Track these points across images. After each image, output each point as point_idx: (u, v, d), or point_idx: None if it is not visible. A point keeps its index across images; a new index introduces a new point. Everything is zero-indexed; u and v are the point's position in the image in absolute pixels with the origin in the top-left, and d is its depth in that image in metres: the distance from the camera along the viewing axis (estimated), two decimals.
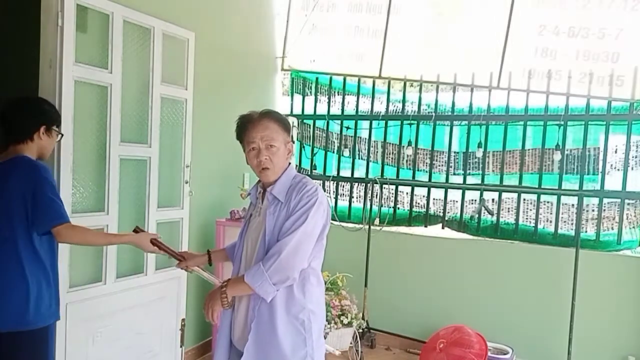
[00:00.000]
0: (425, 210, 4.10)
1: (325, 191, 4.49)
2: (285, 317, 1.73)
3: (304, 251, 1.72)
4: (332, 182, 4.46)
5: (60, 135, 2.19)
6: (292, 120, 4.28)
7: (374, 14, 4.17)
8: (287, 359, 1.72)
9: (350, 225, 4.34)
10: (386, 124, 4.23)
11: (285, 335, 1.72)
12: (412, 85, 4.34)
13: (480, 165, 3.87)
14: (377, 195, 4.23)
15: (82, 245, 2.33)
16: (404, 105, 4.17)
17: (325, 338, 3.61)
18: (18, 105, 2.06)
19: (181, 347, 3.24)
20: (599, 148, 3.53)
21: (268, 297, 1.70)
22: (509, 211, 3.81)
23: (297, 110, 4.60)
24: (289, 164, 1.90)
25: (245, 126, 1.83)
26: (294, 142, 4.22)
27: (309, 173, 4.54)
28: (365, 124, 4.33)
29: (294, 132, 4.28)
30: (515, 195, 3.77)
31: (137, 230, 2.14)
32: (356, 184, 4.37)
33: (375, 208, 4.23)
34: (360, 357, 3.70)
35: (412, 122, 4.11)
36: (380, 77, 4.17)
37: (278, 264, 1.66)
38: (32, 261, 1.95)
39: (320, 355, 1.83)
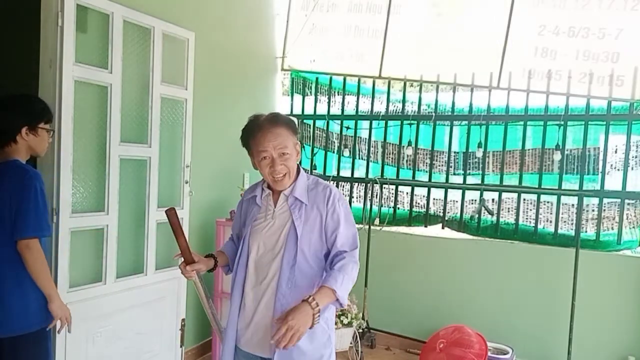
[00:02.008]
0: (425, 210, 4.10)
1: None
2: None
3: None
4: (332, 182, 4.45)
5: (51, 132, 2.13)
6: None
7: (374, 14, 4.17)
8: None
9: None
10: (386, 124, 4.23)
11: (313, 335, 1.73)
12: (412, 85, 4.34)
13: (480, 165, 3.87)
14: (377, 195, 4.23)
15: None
16: (404, 105, 4.17)
17: None
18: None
19: (181, 347, 3.24)
20: (599, 148, 3.53)
21: (345, 305, 1.72)
22: (509, 211, 3.81)
23: (297, 110, 4.60)
24: (298, 164, 1.87)
25: (254, 134, 1.77)
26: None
27: (309, 173, 4.53)
28: (365, 124, 4.33)
29: None
30: (515, 195, 3.77)
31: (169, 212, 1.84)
32: (356, 184, 4.37)
33: (375, 208, 4.23)
34: (360, 357, 3.70)
35: (412, 122, 4.11)
36: (380, 77, 4.17)
37: (354, 271, 1.71)
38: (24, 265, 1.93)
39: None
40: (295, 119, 4.28)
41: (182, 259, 1.83)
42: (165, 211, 1.83)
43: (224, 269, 1.99)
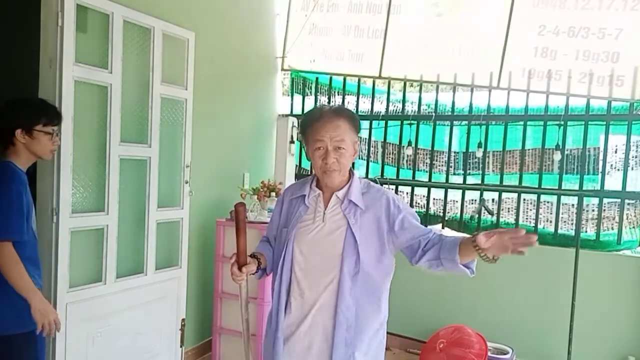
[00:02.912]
0: (425, 210, 4.09)
1: None
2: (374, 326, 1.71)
3: None
4: None
5: (51, 135, 2.05)
6: (292, 120, 4.28)
7: (374, 14, 4.17)
8: None
9: None
10: (386, 124, 4.23)
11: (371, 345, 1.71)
12: (412, 85, 4.34)
13: (480, 165, 3.87)
14: None
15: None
16: (404, 105, 4.17)
17: None
18: None
19: (181, 347, 3.24)
20: (599, 148, 3.53)
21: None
22: (509, 211, 3.81)
23: (297, 110, 4.59)
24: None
25: (313, 123, 1.69)
26: (293, 142, 4.24)
27: (309, 173, 4.54)
28: (365, 124, 4.32)
29: (294, 132, 4.27)
30: (515, 195, 3.77)
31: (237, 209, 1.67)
32: None
33: None
34: None
35: (412, 122, 4.11)
36: (380, 77, 4.17)
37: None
38: None
39: None
40: (295, 119, 4.30)
41: (234, 260, 1.68)
42: (235, 205, 1.66)
43: (256, 273, 1.79)
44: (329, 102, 4.47)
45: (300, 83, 4.61)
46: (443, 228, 4.04)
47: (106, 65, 2.64)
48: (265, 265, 1.80)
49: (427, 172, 4.09)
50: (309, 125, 1.71)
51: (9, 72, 3.51)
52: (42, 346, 2.07)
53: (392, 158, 4.25)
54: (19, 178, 1.95)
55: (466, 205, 3.94)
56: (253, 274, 1.76)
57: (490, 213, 3.81)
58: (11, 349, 1.93)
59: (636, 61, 3.32)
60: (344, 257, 1.65)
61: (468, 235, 1.59)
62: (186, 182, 3.20)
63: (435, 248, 1.66)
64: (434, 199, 4.07)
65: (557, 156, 3.58)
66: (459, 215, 3.96)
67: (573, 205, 3.59)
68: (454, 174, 4.00)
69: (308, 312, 1.69)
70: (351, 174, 1.76)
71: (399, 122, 4.17)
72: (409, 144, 4.10)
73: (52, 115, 2.08)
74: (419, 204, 4.14)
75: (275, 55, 4.48)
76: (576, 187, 3.57)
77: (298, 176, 4.52)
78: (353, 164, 2.01)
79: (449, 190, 4.00)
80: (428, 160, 4.08)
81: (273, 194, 3.58)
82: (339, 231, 1.67)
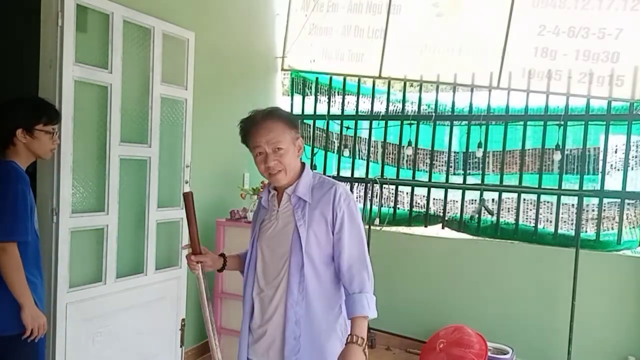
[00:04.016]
0: (425, 210, 4.09)
1: None
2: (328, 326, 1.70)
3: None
4: None
5: (52, 135, 2.06)
6: None
7: (374, 14, 4.16)
8: None
9: None
10: (386, 124, 4.23)
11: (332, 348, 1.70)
12: (412, 85, 4.34)
13: (480, 165, 3.87)
14: (377, 195, 4.22)
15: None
16: (404, 105, 4.17)
17: None
18: None
19: (181, 347, 3.24)
20: (599, 148, 3.53)
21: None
22: (509, 211, 3.81)
23: (297, 110, 4.59)
24: (304, 162, 1.81)
25: (249, 130, 1.73)
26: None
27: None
28: (365, 124, 4.33)
29: None
30: (515, 195, 3.77)
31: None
32: (356, 184, 4.37)
33: (375, 208, 4.23)
34: None
35: (412, 122, 4.11)
36: (380, 77, 4.17)
37: (370, 278, 1.67)
38: None
39: None
40: None
41: (191, 250, 1.78)
42: (184, 193, 1.78)
43: (220, 270, 1.92)
44: (329, 102, 4.47)
45: (300, 83, 4.61)
46: (443, 228, 4.04)
47: (106, 65, 2.64)
48: (239, 267, 1.91)
49: (427, 172, 4.09)
50: (246, 134, 1.74)
51: (9, 72, 3.52)
52: (42, 346, 2.07)
53: (392, 158, 4.25)
54: (23, 178, 1.95)
55: (466, 205, 3.94)
56: (219, 270, 1.88)
57: (490, 213, 3.81)
58: (12, 349, 1.93)
59: (636, 61, 3.32)
60: (290, 254, 1.68)
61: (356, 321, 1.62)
62: (186, 182, 3.20)
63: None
64: (434, 199, 4.07)
65: (557, 156, 3.58)
66: (459, 215, 3.96)
67: (573, 205, 3.59)
68: (454, 174, 4.00)
69: (267, 309, 1.73)
70: (304, 169, 1.77)
71: (399, 122, 4.17)
72: (409, 144, 4.10)
73: (53, 115, 2.09)
74: (419, 204, 4.14)
75: (275, 55, 4.48)
76: (576, 187, 3.57)
77: None
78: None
79: (449, 190, 4.00)
80: (428, 160, 4.08)
81: None
82: (287, 228, 1.71)
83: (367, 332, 1.64)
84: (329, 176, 1.95)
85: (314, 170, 2.08)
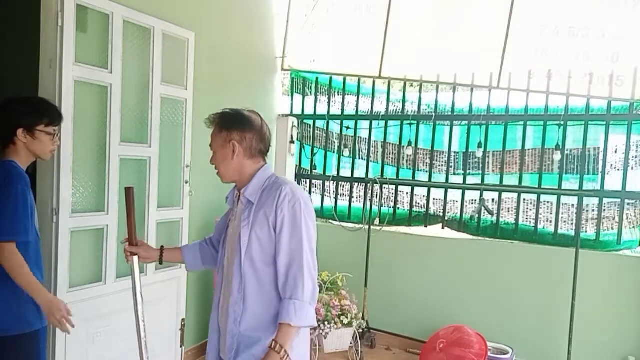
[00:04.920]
0: (425, 210, 4.10)
1: (325, 191, 4.49)
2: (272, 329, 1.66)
3: (315, 257, 1.68)
4: (332, 182, 4.46)
5: (53, 136, 2.05)
6: (292, 120, 4.28)
7: (374, 14, 4.16)
8: None
9: (350, 225, 4.34)
10: (386, 124, 4.23)
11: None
12: (412, 85, 4.34)
13: (480, 165, 3.87)
14: (377, 195, 4.22)
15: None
16: (404, 105, 4.17)
17: (325, 338, 3.62)
18: None
19: (181, 347, 3.24)
20: (599, 148, 3.53)
21: (315, 321, 1.64)
22: (509, 211, 3.81)
23: (297, 110, 4.60)
24: (263, 164, 1.79)
25: None
26: (293, 142, 4.24)
27: (309, 173, 4.54)
28: (365, 124, 4.33)
29: (294, 132, 4.27)
30: (515, 195, 3.77)
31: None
32: (356, 184, 4.37)
33: (375, 208, 4.23)
34: (360, 357, 3.70)
35: (412, 122, 4.11)
36: (380, 77, 4.17)
37: (307, 285, 1.60)
38: None
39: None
40: (295, 119, 4.30)
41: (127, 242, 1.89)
42: (125, 188, 1.88)
43: (188, 266, 2.01)
44: (329, 102, 4.47)
45: (300, 83, 4.61)
46: (443, 228, 4.04)
47: (106, 65, 2.64)
48: (179, 260, 2.02)
49: (427, 172, 4.09)
50: None
51: (9, 72, 3.51)
52: (44, 346, 2.08)
53: (392, 158, 4.25)
54: (23, 178, 1.95)
55: (466, 205, 3.94)
56: (160, 262, 1.96)
57: (490, 213, 3.81)
58: (15, 349, 1.93)
59: (636, 61, 3.32)
60: (234, 254, 1.71)
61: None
62: (186, 182, 3.20)
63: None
64: (434, 199, 4.07)
65: (557, 156, 3.59)
66: (459, 215, 3.96)
67: (573, 205, 3.59)
68: (454, 174, 4.00)
69: (224, 307, 1.76)
70: (259, 171, 1.76)
71: (399, 122, 4.17)
72: (409, 144, 4.10)
73: (55, 116, 2.08)
74: (419, 204, 4.14)
75: (275, 55, 4.48)
76: (576, 187, 3.57)
77: (298, 176, 4.53)
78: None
79: (449, 190, 4.00)
80: (428, 160, 4.08)
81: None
82: (237, 228, 1.72)
83: (290, 340, 1.58)
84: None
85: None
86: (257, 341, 1.65)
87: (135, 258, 1.89)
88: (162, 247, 2.00)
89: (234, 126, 1.78)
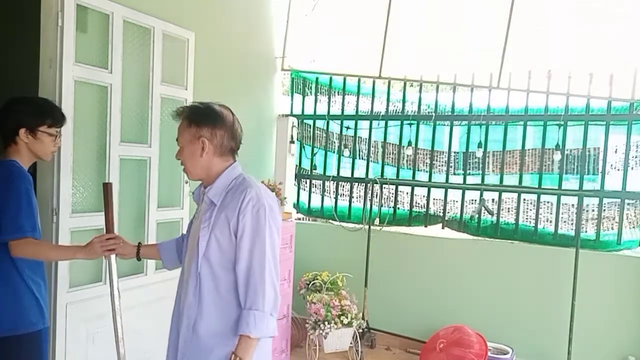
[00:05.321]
0: (425, 210, 4.10)
1: (325, 191, 4.49)
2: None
3: (277, 263, 1.62)
4: (332, 182, 4.46)
5: (55, 137, 2.06)
6: (292, 120, 4.28)
7: (374, 15, 4.17)
8: None
9: (350, 225, 4.34)
10: (386, 124, 4.23)
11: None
12: (412, 85, 4.34)
13: (480, 165, 3.87)
14: (377, 195, 4.22)
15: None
16: (404, 105, 4.17)
17: (325, 338, 3.62)
18: (0, 109, 2.00)
19: None
20: (599, 148, 3.53)
21: (276, 331, 1.59)
22: (509, 211, 3.82)
23: (297, 110, 4.60)
24: (232, 162, 1.72)
25: None
26: (293, 142, 4.24)
27: (309, 173, 4.54)
28: (365, 124, 4.33)
29: (294, 132, 4.27)
30: (515, 195, 3.77)
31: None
32: (356, 184, 4.37)
33: (375, 208, 4.23)
34: (360, 357, 3.70)
35: (412, 122, 4.11)
36: (380, 77, 4.17)
37: (268, 295, 1.54)
38: (14, 267, 1.90)
39: None
40: (295, 119, 4.30)
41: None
42: (104, 183, 1.95)
43: (165, 263, 1.99)
44: (329, 102, 4.47)
45: (300, 83, 4.61)
46: (443, 228, 4.04)
47: (106, 65, 2.63)
48: (154, 256, 2.01)
49: (427, 172, 4.09)
50: None
51: (9, 72, 3.51)
52: (45, 346, 2.08)
53: (392, 158, 4.25)
54: (26, 177, 1.95)
55: (466, 205, 3.94)
56: (137, 259, 1.97)
57: (490, 213, 3.81)
58: (17, 349, 1.93)
59: (636, 61, 3.33)
60: (192, 255, 1.65)
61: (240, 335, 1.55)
62: (186, 182, 3.20)
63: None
64: (434, 199, 4.07)
65: (557, 156, 3.59)
66: (459, 215, 3.96)
67: (573, 205, 3.59)
68: (454, 174, 4.00)
69: (179, 308, 1.75)
70: (226, 169, 1.69)
71: (399, 122, 4.17)
72: (409, 144, 4.10)
73: (58, 118, 2.08)
74: (419, 204, 4.14)
75: (275, 55, 4.48)
76: (576, 187, 3.57)
77: (298, 176, 4.53)
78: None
79: (449, 190, 4.00)
80: (428, 160, 4.08)
81: (273, 194, 3.58)
82: (197, 229, 1.67)
83: (251, 351, 1.54)
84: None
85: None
86: (210, 350, 1.59)
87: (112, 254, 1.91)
88: (139, 243, 1.99)
89: (205, 122, 1.68)
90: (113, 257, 1.92)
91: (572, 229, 3.59)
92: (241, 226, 1.57)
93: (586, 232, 3.56)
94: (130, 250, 1.95)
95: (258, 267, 1.56)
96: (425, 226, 4.12)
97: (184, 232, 3.18)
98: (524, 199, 3.76)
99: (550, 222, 3.68)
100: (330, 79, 4.45)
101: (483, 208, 3.80)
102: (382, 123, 4.24)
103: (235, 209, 1.58)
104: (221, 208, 1.62)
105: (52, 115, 2.05)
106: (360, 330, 3.80)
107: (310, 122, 4.56)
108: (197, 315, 1.62)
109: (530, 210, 3.76)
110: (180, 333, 1.67)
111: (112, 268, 1.92)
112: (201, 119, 1.68)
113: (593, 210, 3.55)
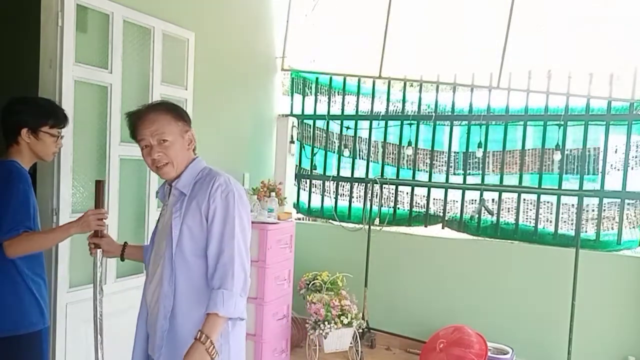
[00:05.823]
0: (425, 210, 4.10)
1: (325, 191, 4.49)
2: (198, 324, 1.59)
3: (248, 247, 1.64)
4: (332, 182, 4.46)
5: (57, 138, 2.05)
6: (292, 120, 4.28)
7: (374, 14, 4.17)
8: None
9: (350, 225, 4.34)
10: (386, 124, 4.23)
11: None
12: (412, 85, 4.34)
13: (480, 165, 3.87)
14: (377, 195, 4.22)
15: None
16: (404, 105, 4.17)
17: (325, 338, 3.62)
18: (3, 109, 1.99)
19: None
20: (599, 148, 3.54)
21: (244, 313, 1.60)
22: (509, 211, 3.82)
23: (297, 110, 4.60)
24: (196, 156, 1.77)
25: (134, 124, 1.70)
26: (293, 142, 4.24)
27: (309, 173, 4.54)
28: (365, 124, 4.33)
29: (294, 132, 4.27)
30: (515, 195, 3.77)
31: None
32: (356, 184, 4.37)
33: (375, 208, 4.23)
34: (360, 357, 3.70)
35: (412, 122, 4.11)
36: (380, 77, 4.17)
37: (237, 275, 1.56)
38: (14, 267, 1.90)
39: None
40: (295, 119, 4.30)
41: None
42: (96, 180, 1.94)
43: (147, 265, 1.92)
44: (329, 102, 4.47)
45: (300, 83, 4.61)
46: (443, 228, 4.04)
47: (106, 65, 2.64)
48: (139, 258, 1.97)
49: (427, 172, 4.09)
50: (133, 127, 1.71)
51: (9, 73, 3.51)
52: (47, 346, 2.08)
53: (392, 158, 4.25)
54: (25, 177, 1.95)
55: (466, 205, 3.94)
56: (121, 259, 1.95)
57: (490, 213, 3.81)
58: (18, 349, 1.93)
59: (636, 61, 3.33)
60: (165, 246, 1.66)
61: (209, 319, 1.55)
62: None
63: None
64: (434, 199, 4.07)
65: (557, 156, 3.59)
66: (459, 215, 3.96)
67: (573, 205, 3.59)
68: (454, 174, 4.00)
69: (150, 303, 1.73)
70: (192, 162, 1.72)
71: (399, 122, 4.17)
72: (409, 144, 4.10)
73: (60, 118, 2.07)
74: (419, 204, 4.14)
75: (275, 55, 4.48)
76: (576, 187, 3.57)
77: (298, 176, 4.53)
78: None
79: (449, 190, 4.00)
80: (428, 160, 4.08)
81: (273, 194, 3.58)
82: (168, 222, 1.68)
83: (217, 331, 1.55)
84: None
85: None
86: (185, 340, 1.59)
87: (99, 251, 1.90)
88: (125, 243, 1.98)
89: (186, 118, 1.75)
90: (99, 255, 1.90)
91: (572, 229, 3.59)
92: (212, 210, 1.60)
93: (586, 232, 3.56)
94: (116, 249, 1.95)
95: (228, 249, 1.58)
96: (425, 226, 4.12)
97: None
98: (524, 199, 3.76)
99: (550, 222, 3.68)
100: (330, 79, 4.45)
101: (483, 208, 3.80)
102: (382, 123, 4.24)
103: (205, 194, 1.62)
104: (191, 197, 1.65)
105: (55, 116, 2.04)
106: (360, 330, 3.80)
107: (310, 122, 4.56)
108: (174, 305, 1.63)
109: (530, 210, 3.76)
110: (157, 326, 1.66)
111: (96, 268, 1.90)
112: (182, 113, 1.73)
113: (593, 210, 3.55)
